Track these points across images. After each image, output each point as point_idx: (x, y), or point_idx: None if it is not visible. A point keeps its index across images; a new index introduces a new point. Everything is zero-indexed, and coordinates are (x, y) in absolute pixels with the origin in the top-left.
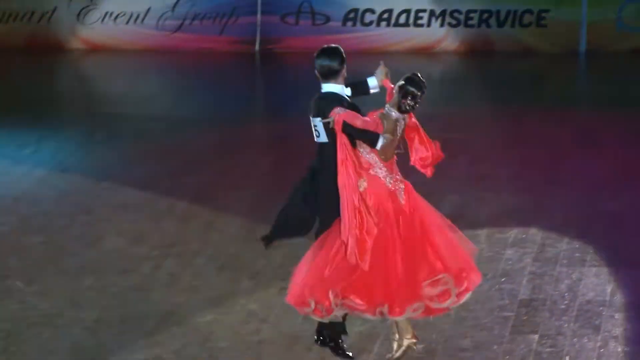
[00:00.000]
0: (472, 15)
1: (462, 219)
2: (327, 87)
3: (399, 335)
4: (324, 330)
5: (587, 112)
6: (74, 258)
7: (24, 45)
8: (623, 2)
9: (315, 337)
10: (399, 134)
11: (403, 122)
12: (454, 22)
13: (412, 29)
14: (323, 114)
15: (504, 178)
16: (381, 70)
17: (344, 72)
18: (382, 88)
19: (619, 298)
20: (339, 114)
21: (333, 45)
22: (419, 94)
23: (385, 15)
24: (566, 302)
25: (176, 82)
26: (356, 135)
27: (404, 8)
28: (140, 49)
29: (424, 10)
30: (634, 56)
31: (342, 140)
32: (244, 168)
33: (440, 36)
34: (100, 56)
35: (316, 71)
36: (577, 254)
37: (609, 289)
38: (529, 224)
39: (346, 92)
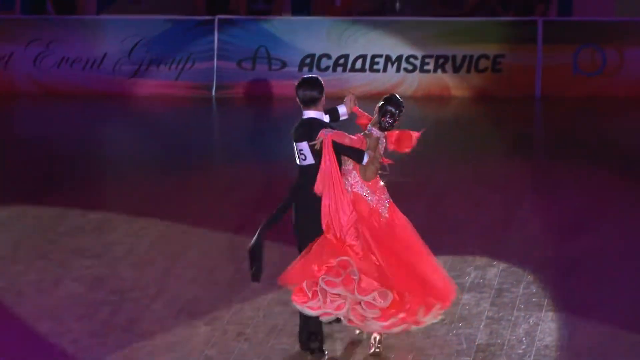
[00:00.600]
0: (428, 60)
1: None
2: (309, 114)
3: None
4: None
5: (543, 157)
6: (30, 304)
7: None
8: (578, 46)
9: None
10: (381, 152)
11: (384, 141)
12: (410, 67)
13: (368, 74)
14: (309, 137)
15: (459, 222)
16: (349, 98)
17: (323, 100)
18: (352, 114)
19: (576, 343)
20: (327, 134)
21: (313, 76)
22: (397, 112)
23: (342, 61)
24: (524, 346)
25: (132, 127)
26: (343, 152)
27: (360, 53)
28: (96, 95)
29: (379, 56)
30: (589, 101)
31: (331, 158)
32: (201, 212)
33: (397, 81)
34: (56, 101)
35: (298, 99)
36: (534, 299)
37: (566, 333)
38: (486, 268)
39: (325, 118)
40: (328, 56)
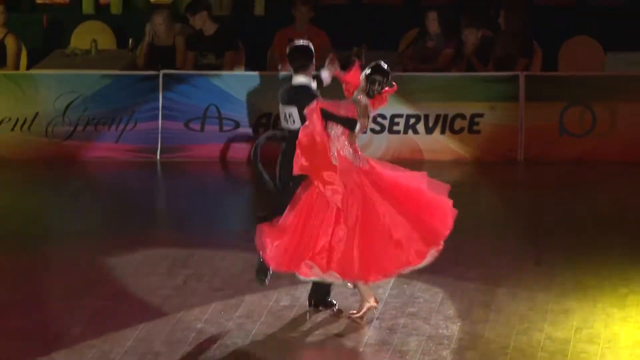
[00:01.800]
0: (397, 120)
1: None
2: (299, 80)
3: (361, 298)
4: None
5: (526, 226)
6: None
7: None
8: (565, 104)
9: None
10: (370, 118)
11: (370, 108)
12: (377, 127)
13: None
14: (299, 103)
15: (435, 302)
16: (330, 61)
17: (312, 67)
18: (335, 78)
19: None
20: (316, 103)
21: (304, 43)
22: (384, 79)
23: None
24: None
25: (67, 194)
26: (339, 121)
27: None
28: (27, 159)
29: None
30: (577, 165)
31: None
32: (146, 287)
33: (363, 143)
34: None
35: (289, 64)
36: None
37: None
38: (464, 352)
39: (313, 84)
40: None
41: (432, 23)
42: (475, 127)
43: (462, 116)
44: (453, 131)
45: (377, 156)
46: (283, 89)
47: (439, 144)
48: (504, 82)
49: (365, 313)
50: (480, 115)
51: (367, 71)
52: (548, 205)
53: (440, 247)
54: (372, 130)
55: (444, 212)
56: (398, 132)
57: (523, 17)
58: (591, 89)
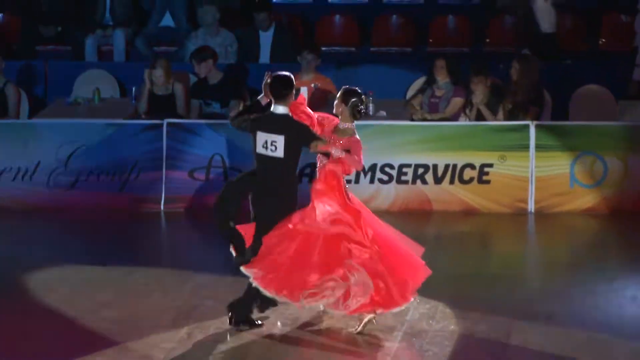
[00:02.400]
0: (405, 170)
1: None
2: (281, 109)
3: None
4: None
5: (537, 278)
6: None
7: None
8: (576, 155)
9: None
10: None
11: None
12: (385, 177)
13: None
14: (287, 132)
15: (445, 355)
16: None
17: (292, 96)
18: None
19: None
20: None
21: (286, 73)
22: (363, 100)
23: (307, 170)
24: None
25: (68, 244)
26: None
27: None
28: (29, 209)
29: None
30: (587, 216)
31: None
32: (150, 340)
33: (370, 194)
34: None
35: (269, 93)
36: None
37: None
38: None
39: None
40: None
41: (441, 71)
42: (485, 177)
43: (472, 166)
44: (462, 181)
45: (385, 207)
46: (262, 117)
47: (448, 195)
48: (514, 131)
49: (365, 326)
50: (490, 165)
51: (344, 99)
52: (559, 257)
53: (407, 302)
54: (380, 181)
55: (416, 269)
56: (406, 182)
57: (536, 68)
58: (602, 139)
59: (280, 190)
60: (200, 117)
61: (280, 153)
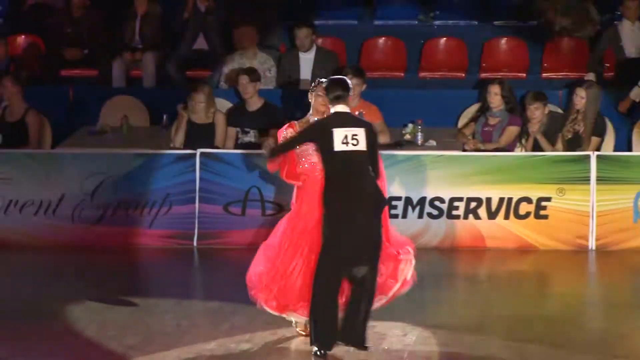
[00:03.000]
0: (456, 204)
1: None
2: (341, 107)
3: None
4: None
5: (598, 320)
6: None
7: None
8: None
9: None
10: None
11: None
12: (435, 212)
13: None
14: (367, 125)
15: None
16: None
17: (350, 99)
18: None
19: None
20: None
21: (342, 77)
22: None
23: None
24: None
25: (95, 283)
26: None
27: None
28: (52, 245)
29: (398, 198)
30: None
31: None
32: None
33: (419, 229)
34: (1, 254)
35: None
36: None
37: None
38: None
39: None
40: None
41: (495, 97)
42: (542, 212)
43: (528, 200)
44: (518, 216)
45: (435, 244)
46: (328, 118)
47: (503, 230)
48: (573, 162)
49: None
50: (548, 199)
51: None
52: (622, 297)
53: (384, 300)
54: (429, 215)
55: (396, 266)
56: (457, 217)
57: (599, 96)
58: None
59: (368, 183)
60: (235, 147)
61: (363, 146)
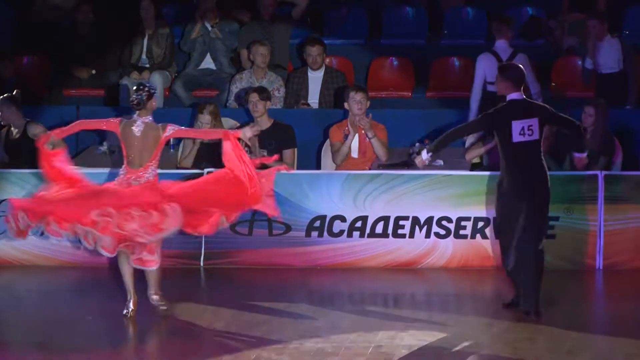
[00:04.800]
0: (464, 223)
1: None
2: (517, 95)
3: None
4: None
5: (606, 339)
6: None
7: None
8: None
9: None
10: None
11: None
12: (442, 232)
13: (391, 240)
14: (539, 111)
15: None
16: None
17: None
18: None
19: None
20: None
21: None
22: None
23: (359, 224)
24: None
25: (102, 302)
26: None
27: (381, 215)
28: (61, 266)
29: (405, 218)
30: None
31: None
32: None
33: (426, 249)
34: (7, 274)
35: (506, 81)
36: None
37: None
38: None
39: None
40: (342, 218)
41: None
42: (549, 232)
43: None
44: None
45: (442, 264)
46: (504, 108)
47: None
48: (581, 182)
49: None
50: (555, 219)
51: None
52: (630, 319)
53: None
54: (437, 235)
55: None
56: (465, 236)
57: (607, 115)
58: None
59: (541, 170)
60: None
61: (536, 135)
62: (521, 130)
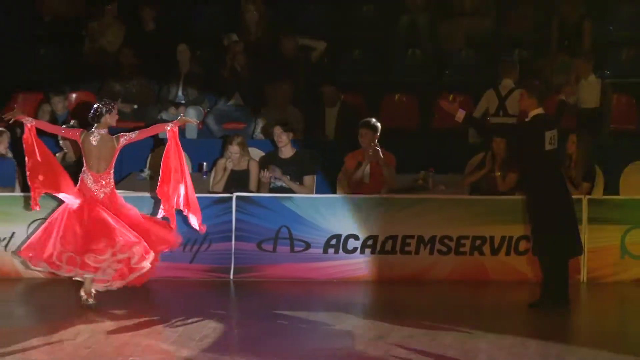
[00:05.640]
0: (463, 241)
1: None
2: (540, 110)
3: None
4: None
5: (588, 348)
6: None
7: None
8: (627, 228)
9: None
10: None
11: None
12: (444, 249)
13: (398, 257)
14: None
15: None
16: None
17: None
18: None
19: None
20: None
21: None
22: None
23: (370, 242)
24: None
25: (143, 311)
26: None
27: (390, 234)
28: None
29: (411, 237)
30: (637, 286)
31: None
32: None
33: (429, 264)
34: (59, 286)
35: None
36: None
37: None
38: None
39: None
40: (355, 237)
41: (499, 147)
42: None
43: (527, 238)
44: (518, 252)
45: (444, 276)
46: (541, 119)
47: (505, 265)
48: None
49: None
50: None
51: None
52: (610, 326)
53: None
54: (439, 252)
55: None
56: (464, 253)
57: (590, 143)
58: None
59: (561, 177)
60: (267, 191)
61: (556, 144)
62: (550, 140)
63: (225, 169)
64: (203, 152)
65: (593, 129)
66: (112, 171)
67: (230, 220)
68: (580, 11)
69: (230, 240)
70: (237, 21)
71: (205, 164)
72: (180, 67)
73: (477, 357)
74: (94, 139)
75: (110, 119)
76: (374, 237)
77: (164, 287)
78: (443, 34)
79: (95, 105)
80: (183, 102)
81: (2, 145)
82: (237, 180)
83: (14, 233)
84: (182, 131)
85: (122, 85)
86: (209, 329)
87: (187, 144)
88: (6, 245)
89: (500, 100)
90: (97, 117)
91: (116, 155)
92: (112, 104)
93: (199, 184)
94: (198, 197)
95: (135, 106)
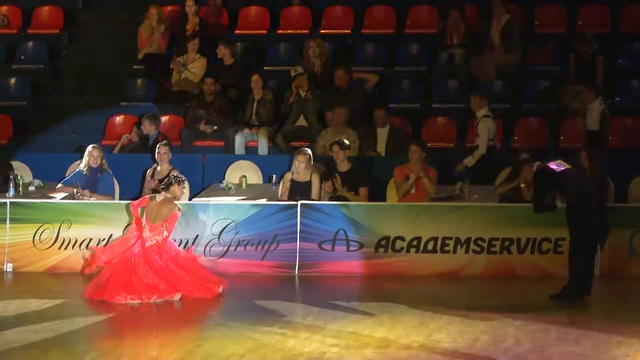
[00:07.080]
0: (494, 242)
1: None
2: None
3: None
4: None
5: (601, 333)
6: None
7: None
8: (634, 230)
9: None
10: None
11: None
12: (477, 249)
13: (438, 255)
14: None
15: None
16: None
17: None
18: None
19: None
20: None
21: None
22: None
23: (415, 243)
24: None
25: (224, 301)
26: None
27: (431, 236)
28: None
29: (450, 238)
30: None
31: None
32: None
33: (465, 262)
34: None
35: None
36: None
37: None
38: None
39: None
40: (402, 238)
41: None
42: (559, 249)
43: (548, 240)
44: (541, 252)
45: (477, 273)
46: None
47: (530, 263)
48: None
49: None
50: (563, 239)
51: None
52: (619, 315)
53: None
54: (473, 251)
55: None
56: (495, 252)
57: (600, 158)
58: None
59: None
60: (327, 199)
61: None
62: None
63: (290, 180)
64: (272, 167)
65: (597, 146)
66: (164, 229)
67: (296, 224)
68: (594, 47)
69: (296, 241)
70: (302, 55)
71: (274, 176)
72: (253, 94)
73: (505, 341)
74: (158, 199)
75: (178, 190)
76: (417, 239)
77: (240, 281)
78: (476, 67)
79: (171, 175)
80: (256, 124)
81: (100, 159)
82: (299, 191)
83: (111, 235)
84: (254, 148)
85: (204, 109)
86: (276, 315)
87: (259, 159)
88: (106, 244)
89: None
90: (167, 185)
91: (173, 219)
92: (183, 179)
93: (269, 193)
94: (268, 205)
95: (216, 127)
